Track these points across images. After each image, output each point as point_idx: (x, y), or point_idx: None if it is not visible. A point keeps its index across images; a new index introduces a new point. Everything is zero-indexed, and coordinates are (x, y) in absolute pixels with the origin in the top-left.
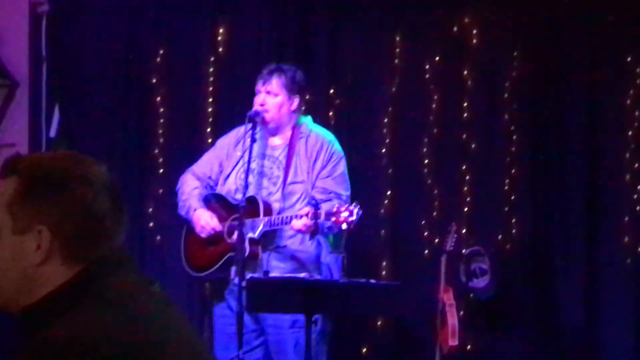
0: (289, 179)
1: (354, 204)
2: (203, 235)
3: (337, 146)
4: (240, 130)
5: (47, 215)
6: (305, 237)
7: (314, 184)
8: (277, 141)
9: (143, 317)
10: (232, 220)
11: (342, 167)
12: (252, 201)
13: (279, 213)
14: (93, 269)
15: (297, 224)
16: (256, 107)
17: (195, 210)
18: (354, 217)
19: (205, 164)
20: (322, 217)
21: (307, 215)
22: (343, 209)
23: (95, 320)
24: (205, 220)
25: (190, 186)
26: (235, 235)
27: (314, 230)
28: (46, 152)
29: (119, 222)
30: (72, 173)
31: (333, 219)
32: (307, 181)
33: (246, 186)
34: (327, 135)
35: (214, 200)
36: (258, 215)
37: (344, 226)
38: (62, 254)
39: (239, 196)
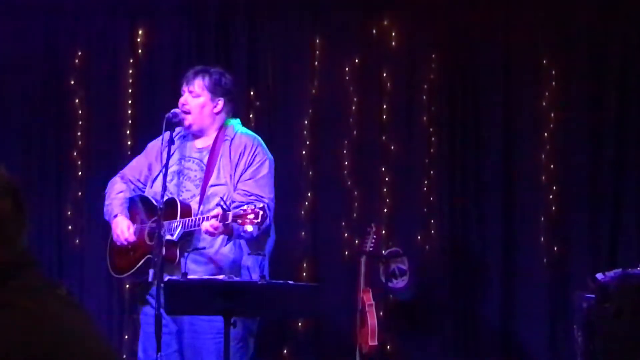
0: (211, 181)
1: (260, 206)
2: (118, 243)
3: (262, 148)
4: (168, 134)
5: None
6: (224, 240)
7: (235, 186)
8: (201, 144)
9: (48, 320)
10: (152, 223)
11: (266, 169)
12: (170, 203)
13: (196, 215)
14: None
15: (205, 225)
16: (179, 107)
17: (115, 216)
18: (258, 220)
19: (135, 167)
20: (230, 219)
21: (215, 217)
22: (249, 210)
23: (1, 325)
24: (121, 230)
25: (115, 190)
26: (154, 238)
27: (227, 233)
28: None
29: (21, 224)
30: None
31: (239, 221)
32: (230, 183)
33: (164, 189)
34: (253, 138)
35: (140, 202)
36: (176, 217)
37: (250, 228)
38: None
39: (165, 197)
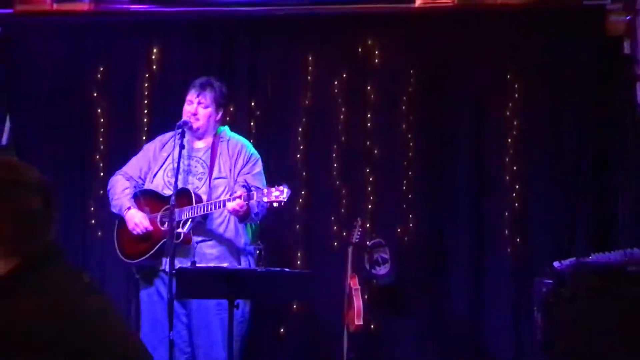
0: (214, 175)
1: (283, 184)
2: (135, 233)
3: (254, 150)
4: (165, 136)
5: None
6: (230, 226)
7: (236, 179)
8: (201, 144)
9: (74, 303)
10: (164, 210)
11: (259, 167)
12: (184, 192)
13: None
14: (29, 262)
15: (232, 204)
16: (187, 115)
17: (128, 208)
18: (284, 196)
19: (135, 166)
20: (255, 197)
21: (239, 197)
22: (273, 189)
23: (32, 307)
24: (139, 220)
25: (120, 187)
26: (166, 225)
27: (246, 213)
28: None
29: (51, 219)
30: (8, 179)
31: (265, 199)
32: (230, 177)
33: (175, 186)
34: (245, 140)
35: (143, 195)
36: (191, 204)
37: (275, 204)
38: (2, 250)
39: (166, 191)
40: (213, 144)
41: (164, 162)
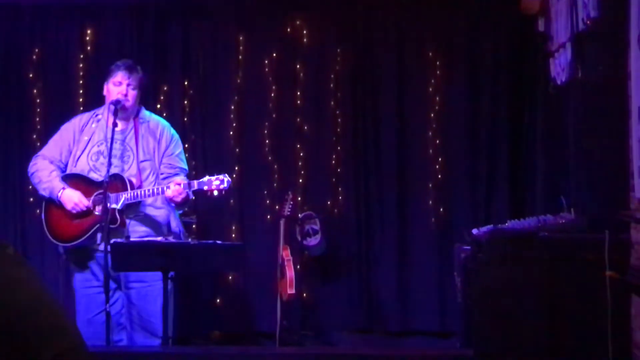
0: (140, 157)
1: (224, 174)
2: (75, 212)
3: (173, 130)
4: (83, 117)
5: None
6: (158, 204)
7: (161, 160)
8: (121, 126)
9: None
10: (97, 195)
11: (180, 146)
12: (117, 177)
13: (138, 187)
14: None
15: (172, 190)
16: (119, 96)
17: (63, 189)
18: (225, 185)
19: (55, 148)
20: (196, 186)
21: (179, 184)
22: (214, 178)
23: None
24: (78, 198)
25: (47, 170)
26: (100, 207)
27: (186, 199)
28: None
29: None
30: None
31: (205, 187)
32: (154, 159)
33: (109, 165)
34: (164, 121)
35: (71, 180)
36: (125, 189)
37: (216, 193)
38: None
39: (93, 175)
40: (135, 126)
41: (86, 146)
